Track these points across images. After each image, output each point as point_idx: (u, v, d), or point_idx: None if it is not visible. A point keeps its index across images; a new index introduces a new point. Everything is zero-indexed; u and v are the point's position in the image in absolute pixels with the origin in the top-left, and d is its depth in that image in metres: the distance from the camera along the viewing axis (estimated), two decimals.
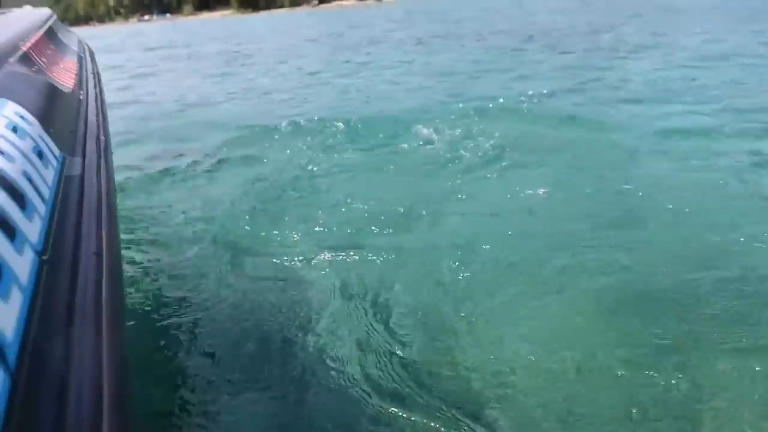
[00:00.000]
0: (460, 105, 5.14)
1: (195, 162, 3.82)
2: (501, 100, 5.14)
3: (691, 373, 1.47)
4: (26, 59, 1.17)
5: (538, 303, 1.82)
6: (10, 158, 0.78)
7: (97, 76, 1.83)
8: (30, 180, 0.78)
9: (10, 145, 0.80)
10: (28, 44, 1.29)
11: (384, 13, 34.53)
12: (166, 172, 3.61)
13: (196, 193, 3.20)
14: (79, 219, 0.81)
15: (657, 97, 4.96)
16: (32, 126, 0.88)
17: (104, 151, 1.05)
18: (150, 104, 6.81)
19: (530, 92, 5.43)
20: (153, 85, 8.58)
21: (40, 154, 0.85)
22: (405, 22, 21.51)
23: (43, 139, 0.88)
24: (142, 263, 2.23)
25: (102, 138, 1.10)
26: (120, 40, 27.08)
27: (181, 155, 4.07)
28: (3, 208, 0.67)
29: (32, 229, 0.71)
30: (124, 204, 2.88)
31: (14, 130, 0.85)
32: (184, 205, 2.95)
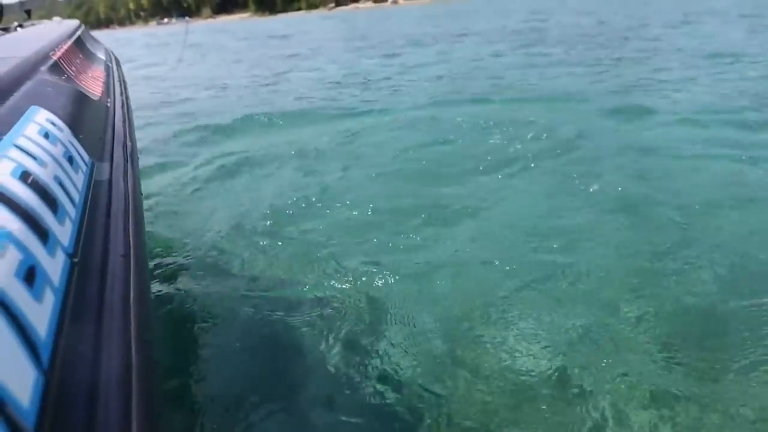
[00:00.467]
0: (477, 101, 5.19)
1: (219, 161, 3.84)
2: (518, 95, 5.15)
3: (714, 391, 1.46)
4: (57, 68, 1.21)
5: (556, 310, 1.81)
6: (42, 163, 0.80)
7: (123, 83, 1.88)
8: (61, 184, 0.80)
9: (42, 151, 0.82)
10: (59, 53, 1.33)
11: (401, 15, 34.61)
12: (191, 172, 3.63)
13: (221, 192, 3.22)
14: (108, 222, 0.83)
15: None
16: (63, 132, 0.91)
17: (131, 157, 1.08)
18: (177, 105, 6.88)
19: (541, 88, 5.43)
20: (180, 88, 8.63)
21: (70, 160, 0.87)
22: (425, 23, 21.56)
23: (73, 145, 0.91)
24: (168, 265, 2.26)
25: (128, 144, 1.13)
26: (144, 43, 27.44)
27: (206, 155, 4.09)
28: (37, 212, 0.68)
29: (64, 232, 0.73)
30: (150, 207, 2.92)
31: (46, 136, 0.87)
32: (208, 206, 2.98)
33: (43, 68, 1.12)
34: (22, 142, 0.81)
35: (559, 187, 2.91)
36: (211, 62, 12.72)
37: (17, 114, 0.87)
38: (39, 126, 0.88)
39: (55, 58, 1.26)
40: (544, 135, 3.86)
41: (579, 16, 17.94)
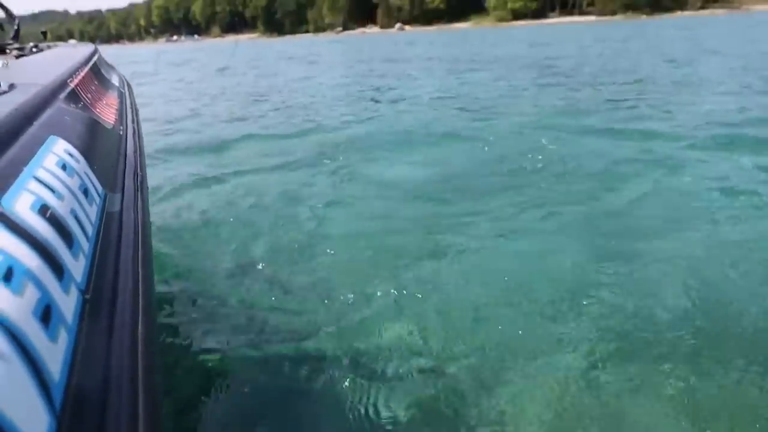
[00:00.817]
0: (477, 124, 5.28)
1: (226, 184, 3.86)
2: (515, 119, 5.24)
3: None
4: (74, 96, 1.23)
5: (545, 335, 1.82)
6: (60, 196, 0.80)
7: (135, 110, 1.91)
8: (76, 218, 0.81)
9: (60, 183, 0.83)
10: (76, 81, 1.36)
11: (407, 40, 35.15)
12: (198, 197, 3.62)
13: (227, 216, 3.21)
14: (118, 257, 0.84)
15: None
16: (79, 163, 0.92)
17: (141, 186, 1.09)
18: (186, 123, 6.93)
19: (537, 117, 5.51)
20: (191, 105, 8.69)
21: (85, 192, 0.88)
22: (431, 50, 21.94)
23: (88, 176, 0.92)
24: (176, 297, 2.25)
25: (139, 173, 1.14)
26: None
27: (212, 178, 4.08)
28: (53, 247, 0.69)
29: (77, 267, 0.73)
30: (158, 235, 2.89)
31: (63, 167, 0.88)
32: (215, 230, 2.97)
33: (62, 96, 1.14)
34: (41, 174, 0.82)
35: (551, 216, 2.96)
36: (220, 83, 12.88)
37: (37, 144, 0.88)
38: (57, 157, 0.89)
39: (72, 85, 1.28)
40: (544, 161, 3.95)
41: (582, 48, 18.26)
